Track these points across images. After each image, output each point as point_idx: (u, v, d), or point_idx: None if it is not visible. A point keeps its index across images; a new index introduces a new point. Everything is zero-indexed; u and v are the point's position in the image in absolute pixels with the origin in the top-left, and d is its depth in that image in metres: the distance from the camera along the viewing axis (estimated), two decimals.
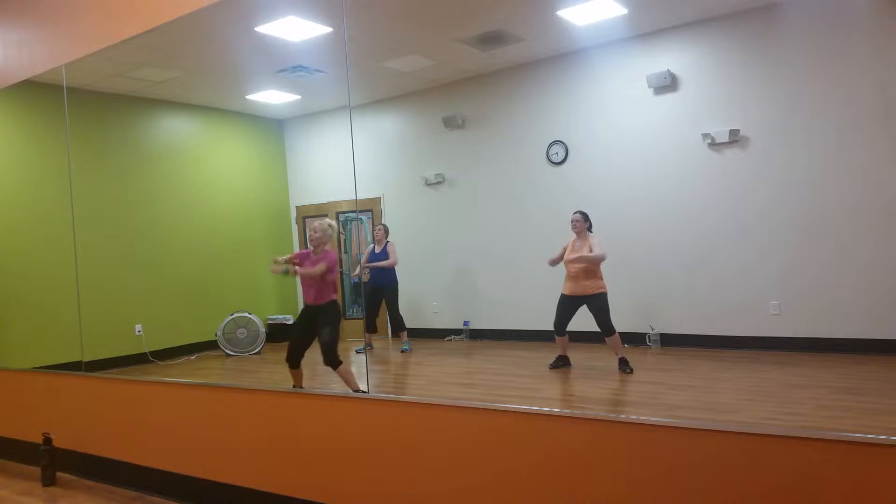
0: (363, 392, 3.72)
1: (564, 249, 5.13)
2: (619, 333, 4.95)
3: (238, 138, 7.74)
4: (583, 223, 5.08)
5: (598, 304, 4.89)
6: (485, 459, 2.74)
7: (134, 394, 4.15)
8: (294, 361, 4.21)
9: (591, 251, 4.96)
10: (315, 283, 4.17)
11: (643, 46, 5.84)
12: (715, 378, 4.62)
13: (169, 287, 6.48)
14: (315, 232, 4.22)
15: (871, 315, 4.74)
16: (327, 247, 4.24)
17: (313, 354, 4.24)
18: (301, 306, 7.89)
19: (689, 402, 4.00)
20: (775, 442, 2.14)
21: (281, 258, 4.37)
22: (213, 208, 7.19)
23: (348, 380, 4.04)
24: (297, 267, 4.21)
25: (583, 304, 4.97)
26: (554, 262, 5.14)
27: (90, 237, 5.12)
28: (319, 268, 4.12)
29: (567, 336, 5.06)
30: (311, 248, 4.22)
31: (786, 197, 5.15)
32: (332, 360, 4.04)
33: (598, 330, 4.94)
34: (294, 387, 4.20)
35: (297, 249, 7.88)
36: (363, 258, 6.68)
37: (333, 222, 4.34)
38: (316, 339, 4.19)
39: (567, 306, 5.03)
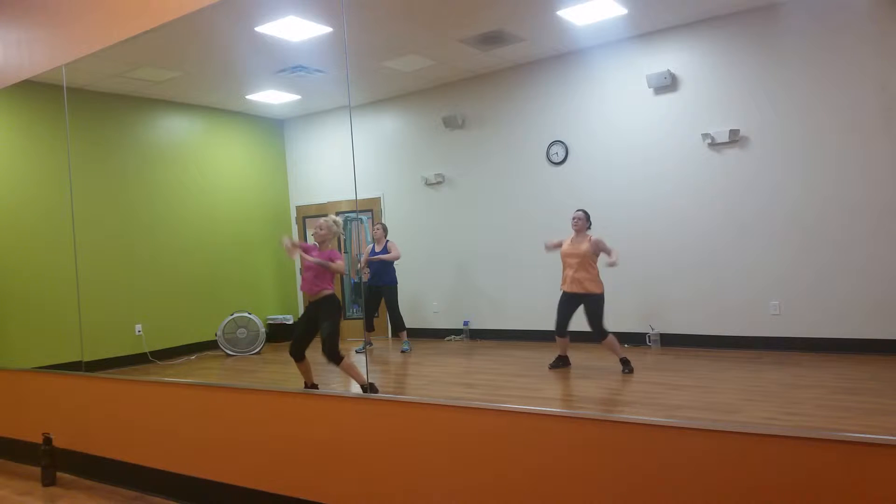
0: (371, 385, 3.79)
1: (561, 242, 5.15)
2: (620, 333, 4.95)
3: (238, 138, 7.75)
4: (584, 221, 5.10)
5: (594, 306, 4.89)
6: (485, 459, 2.74)
7: (134, 394, 4.15)
8: (297, 354, 4.27)
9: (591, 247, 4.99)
10: (316, 274, 4.21)
11: (643, 46, 5.83)
12: (715, 378, 4.62)
13: (169, 287, 6.49)
14: (321, 229, 4.28)
15: (870, 315, 4.74)
16: (331, 245, 4.29)
17: (313, 354, 4.26)
18: (302, 306, 7.91)
19: (689, 402, 4.00)
20: (775, 442, 2.14)
21: (289, 241, 4.50)
22: (213, 208, 7.19)
23: (353, 375, 4.08)
24: (304, 254, 4.26)
25: (581, 303, 4.96)
26: (549, 248, 5.18)
27: (90, 237, 5.12)
28: (337, 265, 4.20)
29: (568, 337, 5.06)
30: (317, 244, 4.27)
31: (786, 197, 5.15)
32: (334, 356, 4.06)
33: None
34: (305, 383, 4.24)
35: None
36: (363, 258, 6.68)
37: (338, 218, 4.39)
38: (318, 335, 4.24)
39: (567, 306, 5.03)
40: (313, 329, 4.23)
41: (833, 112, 4.94)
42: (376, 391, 3.90)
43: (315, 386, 4.24)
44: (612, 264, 4.92)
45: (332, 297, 4.25)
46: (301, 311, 7.78)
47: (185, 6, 3.90)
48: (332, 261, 4.20)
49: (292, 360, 4.30)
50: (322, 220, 4.30)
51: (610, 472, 2.44)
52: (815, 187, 5.03)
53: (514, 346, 6.16)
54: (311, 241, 7.35)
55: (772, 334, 5.15)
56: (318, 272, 4.19)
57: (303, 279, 4.29)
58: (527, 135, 6.46)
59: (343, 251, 7.49)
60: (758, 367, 4.78)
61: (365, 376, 4.11)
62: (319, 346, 4.19)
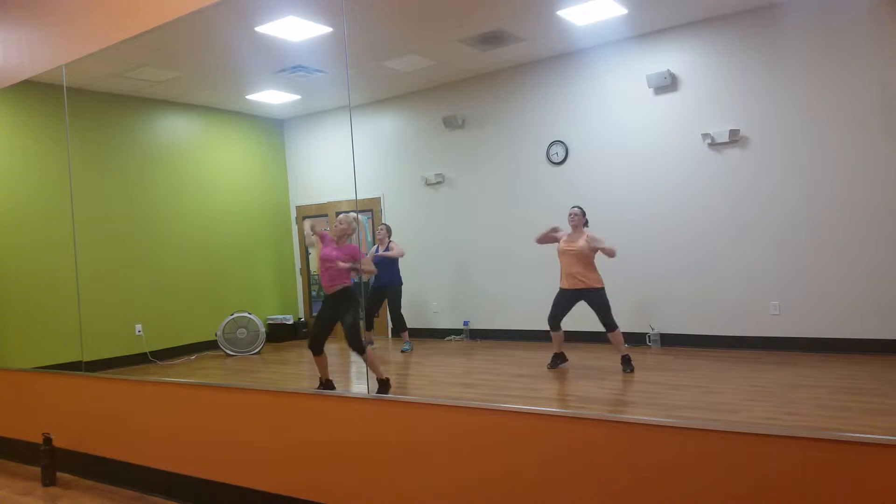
0: (386, 381, 3.96)
1: (557, 234, 5.17)
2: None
3: (238, 138, 7.74)
4: (581, 217, 5.14)
5: (599, 300, 4.93)
6: (485, 459, 2.74)
7: (134, 394, 4.15)
8: (316, 348, 4.39)
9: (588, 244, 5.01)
10: (329, 268, 4.34)
11: (643, 46, 5.83)
12: (715, 378, 4.62)
13: (169, 287, 6.48)
14: (340, 224, 4.41)
15: (871, 315, 4.74)
16: (352, 238, 4.40)
17: (329, 348, 4.36)
18: (302, 307, 7.91)
19: (689, 402, 4.00)
20: (775, 442, 2.14)
21: (311, 233, 4.72)
22: (214, 208, 7.19)
23: (373, 366, 4.20)
24: (321, 241, 4.42)
25: (580, 300, 4.99)
26: (544, 237, 5.18)
27: (90, 237, 5.12)
28: (344, 265, 4.35)
29: (561, 331, 5.08)
30: (336, 238, 4.40)
31: (786, 197, 5.15)
32: (358, 346, 4.22)
33: (597, 329, 4.96)
34: (320, 381, 4.32)
35: (296, 249, 7.89)
36: (367, 257, 6.69)
37: (360, 217, 4.49)
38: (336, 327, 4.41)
39: (565, 301, 5.06)
40: (333, 323, 4.37)
41: (833, 112, 4.93)
42: (388, 389, 3.96)
43: (330, 381, 4.31)
44: (608, 252, 4.93)
45: (349, 289, 4.38)
46: (301, 311, 7.80)
47: (185, 6, 3.90)
48: (353, 256, 4.37)
49: (310, 353, 4.44)
50: (342, 215, 4.45)
51: (610, 472, 2.44)
52: (815, 187, 5.03)
53: (514, 346, 6.16)
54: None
55: (772, 334, 5.15)
56: (338, 269, 4.31)
57: (322, 274, 4.41)
58: (527, 135, 6.45)
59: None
60: (758, 367, 4.77)
61: (380, 370, 4.25)
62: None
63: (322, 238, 4.45)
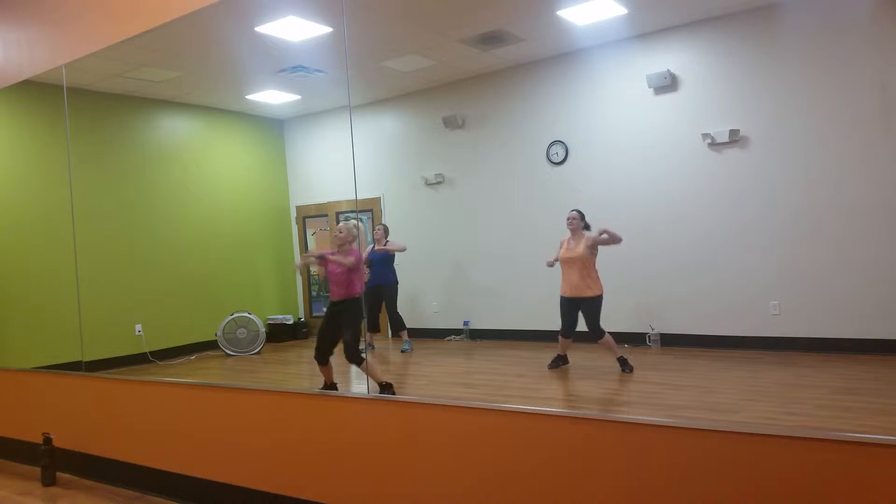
0: (389, 385, 3.97)
1: (559, 251, 5.16)
2: (620, 333, 4.96)
3: (238, 138, 7.74)
4: (579, 221, 5.12)
5: (592, 307, 4.91)
6: (485, 459, 2.74)
7: (134, 394, 4.15)
8: (322, 359, 4.41)
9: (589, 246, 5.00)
10: (341, 278, 4.36)
11: (643, 46, 5.83)
12: (715, 378, 4.62)
13: (169, 287, 6.49)
14: (340, 232, 4.43)
15: (871, 315, 4.74)
16: (353, 245, 4.38)
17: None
18: (302, 307, 7.91)
19: (689, 402, 4.00)
20: (775, 442, 2.14)
21: (310, 255, 4.71)
22: (214, 208, 7.19)
23: (373, 374, 4.24)
24: (329, 255, 4.42)
25: (580, 306, 4.98)
26: (552, 263, 5.17)
27: (90, 237, 5.12)
28: (349, 259, 4.35)
29: (572, 339, 5.08)
30: (337, 247, 4.42)
31: (786, 197, 5.15)
32: (356, 359, 4.22)
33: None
34: (325, 384, 4.37)
35: (296, 250, 7.89)
36: (363, 256, 6.70)
37: (361, 225, 4.50)
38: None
39: (570, 309, 5.04)
40: (338, 333, 4.37)
41: (833, 112, 4.93)
42: (393, 392, 3.97)
43: (334, 385, 4.33)
44: (611, 239, 4.91)
45: (357, 301, 4.39)
46: (301, 311, 7.80)
47: (186, 6, 3.90)
48: (354, 260, 4.37)
49: (311, 354, 4.46)
50: (342, 223, 4.48)
51: (610, 472, 2.44)
52: (815, 187, 5.03)
53: (514, 346, 6.16)
54: (311, 241, 7.38)
55: (772, 334, 5.15)
56: (347, 279, 4.33)
57: (331, 286, 4.43)
58: (527, 135, 6.45)
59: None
60: (758, 367, 4.78)
61: (380, 376, 4.31)
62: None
63: (325, 258, 4.47)
